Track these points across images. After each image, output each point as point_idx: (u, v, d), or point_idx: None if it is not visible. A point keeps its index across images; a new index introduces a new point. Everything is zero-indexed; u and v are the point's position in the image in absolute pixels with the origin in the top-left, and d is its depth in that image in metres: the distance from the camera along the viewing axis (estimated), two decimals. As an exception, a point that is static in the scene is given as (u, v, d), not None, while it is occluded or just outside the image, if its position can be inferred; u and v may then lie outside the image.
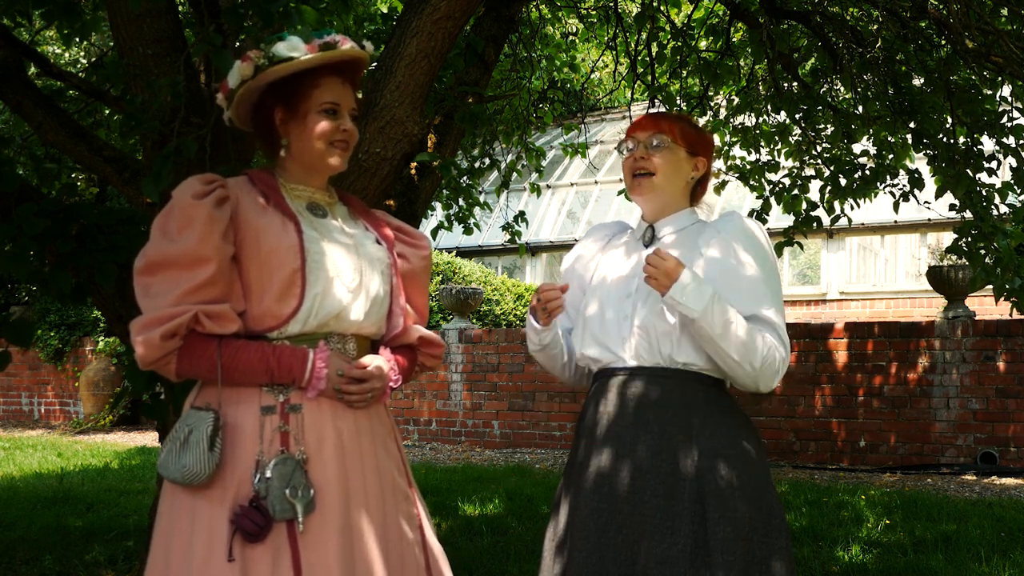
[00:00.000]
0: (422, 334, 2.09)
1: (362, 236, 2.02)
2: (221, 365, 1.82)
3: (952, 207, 4.64)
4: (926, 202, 5.01)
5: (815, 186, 5.55)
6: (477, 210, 5.63)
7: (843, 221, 5.38)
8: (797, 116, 5.21)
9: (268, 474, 1.78)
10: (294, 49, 1.89)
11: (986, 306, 9.73)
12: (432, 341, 2.11)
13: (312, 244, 1.89)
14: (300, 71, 1.90)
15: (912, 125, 4.77)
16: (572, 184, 13.60)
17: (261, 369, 1.83)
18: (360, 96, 2.06)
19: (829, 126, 5.39)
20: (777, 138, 5.63)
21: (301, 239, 1.88)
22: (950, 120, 4.57)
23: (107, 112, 4.73)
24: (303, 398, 1.86)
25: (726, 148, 6.03)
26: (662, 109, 5.88)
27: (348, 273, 1.93)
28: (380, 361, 1.95)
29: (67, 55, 9.16)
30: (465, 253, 12.71)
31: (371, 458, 1.93)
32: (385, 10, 6.04)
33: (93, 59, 7.09)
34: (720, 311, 1.93)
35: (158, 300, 1.79)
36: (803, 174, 5.59)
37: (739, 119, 5.90)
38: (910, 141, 4.91)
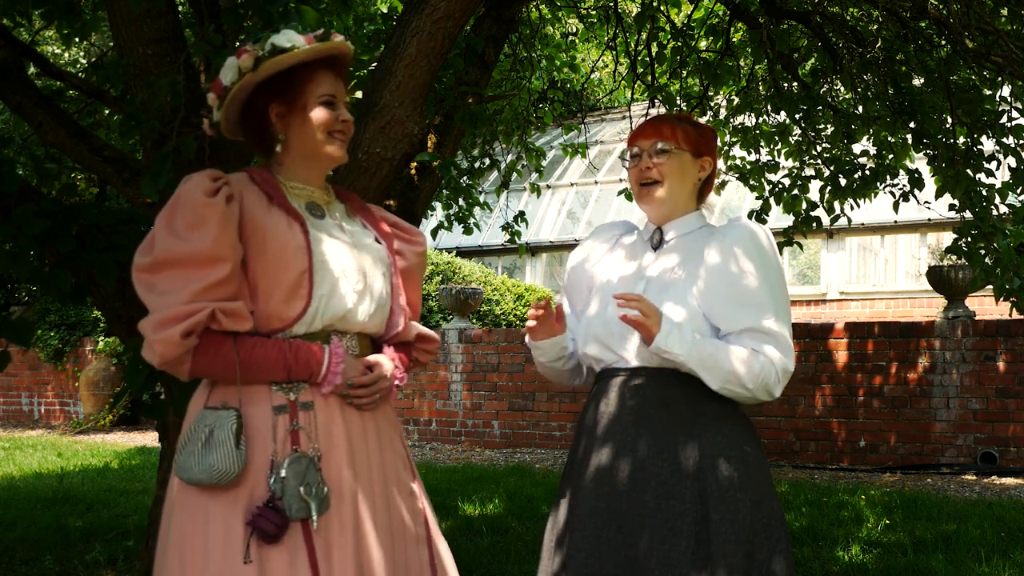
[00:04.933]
0: (419, 331, 2.10)
1: (361, 235, 2.02)
2: (239, 362, 1.80)
3: (952, 207, 4.64)
4: (926, 202, 5.02)
5: (815, 186, 5.55)
6: (477, 210, 5.63)
7: (843, 221, 5.39)
8: (797, 116, 5.21)
9: (283, 473, 1.76)
10: (291, 40, 1.88)
11: (986, 306, 9.72)
12: (427, 337, 2.12)
13: (318, 245, 1.88)
14: (296, 64, 1.90)
15: (912, 125, 4.77)
16: (572, 184, 13.60)
17: (279, 365, 1.82)
18: (360, 96, 2.06)
19: (829, 126, 5.39)
20: (777, 138, 5.63)
21: (308, 240, 1.87)
22: (950, 120, 4.57)
23: (107, 112, 4.73)
24: (315, 395, 1.86)
25: (726, 148, 6.03)
26: (662, 110, 5.88)
27: (353, 275, 1.92)
28: (385, 361, 1.96)
29: (67, 55, 9.16)
30: (465, 253, 12.71)
31: (377, 455, 1.93)
32: (385, 10, 6.04)
33: (93, 59, 7.09)
34: (701, 350, 1.93)
35: (169, 298, 1.75)
36: (803, 174, 5.59)
37: (739, 119, 5.90)
38: (910, 141, 4.91)
